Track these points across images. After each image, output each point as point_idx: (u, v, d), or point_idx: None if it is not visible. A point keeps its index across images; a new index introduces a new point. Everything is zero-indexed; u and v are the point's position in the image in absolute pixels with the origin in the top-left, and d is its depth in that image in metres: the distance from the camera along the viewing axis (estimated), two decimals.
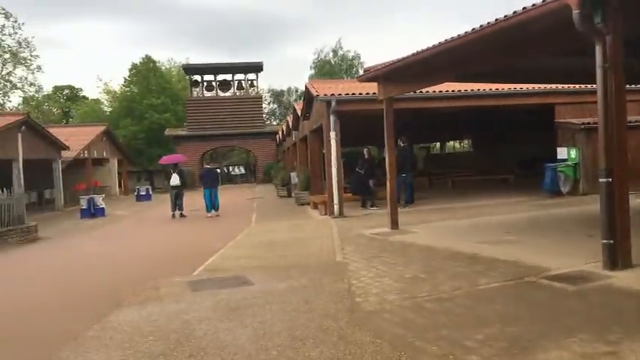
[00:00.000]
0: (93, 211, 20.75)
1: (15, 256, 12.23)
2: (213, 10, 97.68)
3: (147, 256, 10.55)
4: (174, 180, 17.83)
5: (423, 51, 8.24)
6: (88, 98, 61.37)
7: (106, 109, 54.53)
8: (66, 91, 66.13)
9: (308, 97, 16.52)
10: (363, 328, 4.74)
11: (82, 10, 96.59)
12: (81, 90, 65.45)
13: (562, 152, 15.51)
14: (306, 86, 15.97)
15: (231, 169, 55.79)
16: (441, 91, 13.73)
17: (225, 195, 28.94)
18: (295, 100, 23.37)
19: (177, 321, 5.32)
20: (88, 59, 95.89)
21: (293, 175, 24.22)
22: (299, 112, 19.83)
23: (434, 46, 7.94)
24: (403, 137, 14.48)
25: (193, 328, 5.04)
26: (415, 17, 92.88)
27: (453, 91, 14.00)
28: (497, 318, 4.73)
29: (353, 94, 13.56)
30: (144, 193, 30.51)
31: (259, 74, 43.07)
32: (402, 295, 5.71)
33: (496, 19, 6.62)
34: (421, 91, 13.28)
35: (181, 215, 17.87)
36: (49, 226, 18.27)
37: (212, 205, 17.86)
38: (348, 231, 10.89)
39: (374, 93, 13.19)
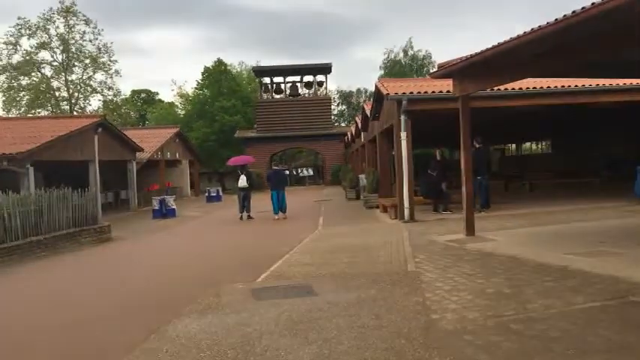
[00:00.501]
0: (164, 212, 21.09)
1: (84, 257, 12.41)
2: (282, 15, 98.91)
3: (212, 259, 10.38)
4: (242, 181, 17.75)
5: (504, 43, 7.52)
6: (163, 101, 63.56)
7: (179, 111, 56.14)
8: (143, 95, 68.82)
9: (377, 97, 15.97)
10: (441, 351, 4.19)
11: (158, 17, 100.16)
12: (157, 94, 67.95)
13: None
14: (375, 85, 15.42)
15: (299, 170, 56.05)
16: (521, 89, 12.81)
17: (293, 197, 28.86)
18: (364, 101, 22.73)
19: (236, 334, 4.95)
20: (164, 65, 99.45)
21: (362, 177, 23.68)
22: (368, 113, 19.31)
23: (517, 37, 7.21)
24: (479, 137, 13.65)
25: (253, 343, 4.65)
26: (486, 15, 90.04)
27: (533, 88, 13.05)
28: (602, 346, 4.05)
29: (425, 92, 12.89)
30: (214, 194, 30.94)
31: (328, 76, 42.91)
32: (484, 313, 5.09)
33: (592, 3, 5.86)
34: (499, 89, 12.44)
35: (249, 217, 17.77)
36: (122, 226, 18.70)
37: (279, 207, 17.67)
38: (419, 237, 10.26)
39: (447, 91, 12.54)
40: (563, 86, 13.11)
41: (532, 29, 6.90)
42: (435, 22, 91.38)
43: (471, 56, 8.67)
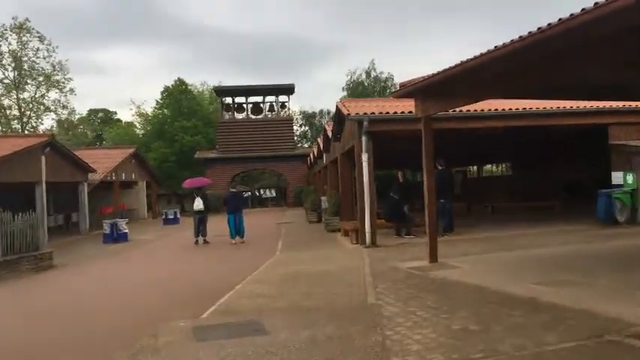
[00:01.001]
0: (115, 236, 20.10)
1: (18, 286, 11.45)
2: (245, 36, 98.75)
3: (158, 289, 9.62)
4: (198, 204, 16.99)
5: (467, 61, 7.17)
6: (121, 121, 62.03)
7: (138, 132, 54.79)
8: (100, 115, 67.15)
9: (339, 118, 15.56)
10: None
11: (119, 37, 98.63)
12: (115, 113, 66.44)
13: (617, 177, 14.10)
14: (337, 105, 15.02)
15: (262, 192, 55.25)
16: (482, 110, 12.58)
17: (255, 219, 28.12)
18: (327, 122, 22.38)
19: None
20: (126, 85, 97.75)
21: (323, 199, 23.17)
22: (329, 134, 18.90)
23: (480, 55, 6.86)
24: (441, 159, 13.32)
25: None
26: (447, 42, 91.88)
27: (495, 110, 12.84)
28: None
29: (387, 113, 12.52)
30: (171, 217, 29.90)
31: (291, 96, 42.60)
32: (450, 355, 4.56)
33: (560, 19, 5.53)
34: (461, 110, 12.20)
35: (204, 242, 16.98)
36: (69, 251, 17.67)
37: (237, 231, 16.99)
38: (381, 263, 9.75)
39: (410, 112, 12.18)
40: (524, 108, 12.96)
41: (496, 47, 6.55)
42: (398, 46, 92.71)
43: (433, 75, 8.31)
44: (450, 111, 12.21)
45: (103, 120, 64.77)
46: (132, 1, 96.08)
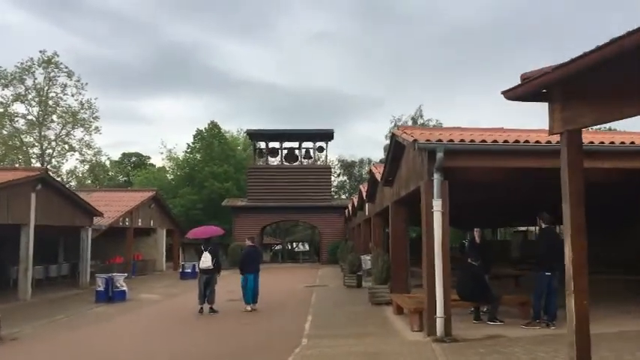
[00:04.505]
0: (111, 295, 16.37)
1: None
2: (284, 89, 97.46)
3: None
4: (206, 261, 13.13)
5: None
6: (154, 166, 59.73)
7: (169, 176, 52.17)
8: (134, 159, 65.23)
9: (395, 153, 11.64)
10: None
11: (162, 87, 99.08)
12: (148, 158, 64.38)
13: None
14: (393, 135, 11.08)
15: (294, 245, 51.28)
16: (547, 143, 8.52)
17: (282, 277, 24.11)
18: (369, 170, 18.81)
19: None
20: (164, 133, 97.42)
21: (365, 258, 19.11)
22: (378, 176, 15.04)
23: None
24: (544, 214, 9.26)
25: None
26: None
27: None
28: None
29: (472, 141, 8.59)
30: (189, 270, 26.10)
31: (329, 143, 38.99)
32: None
33: None
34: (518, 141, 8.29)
35: (211, 310, 13.04)
36: (45, 313, 14.00)
37: (253, 294, 13.19)
38: None
39: (505, 141, 8.34)
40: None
41: None
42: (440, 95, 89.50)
43: (591, 52, 4.44)
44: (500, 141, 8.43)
45: (136, 165, 62.68)
46: (177, 54, 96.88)
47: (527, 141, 8.52)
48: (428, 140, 8.53)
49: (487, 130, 10.20)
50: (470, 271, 9.60)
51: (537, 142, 8.50)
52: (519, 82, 5.60)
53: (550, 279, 8.82)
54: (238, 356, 8.02)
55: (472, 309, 10.09)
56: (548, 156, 8.37)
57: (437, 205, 8.44)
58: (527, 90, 5.50)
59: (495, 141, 8.50)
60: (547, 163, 8.34)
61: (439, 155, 8.26)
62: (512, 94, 5.72)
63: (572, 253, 5.10)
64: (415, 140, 8.49)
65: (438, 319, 8.26)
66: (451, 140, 8.53)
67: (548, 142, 8.51)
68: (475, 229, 11.11)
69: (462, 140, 8.57)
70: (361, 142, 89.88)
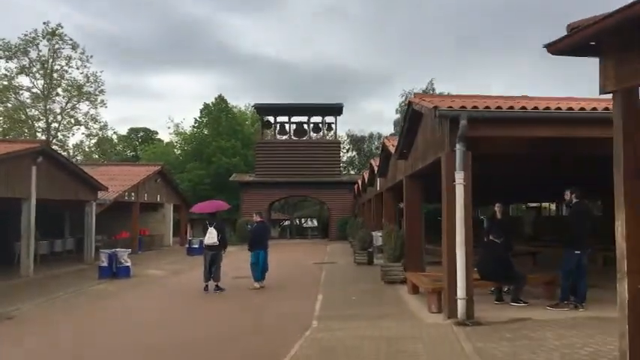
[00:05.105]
0: (115, 270, 15.91)
1: None
2: (293, 66, 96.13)
3: None
4: (211, 237, 12.58)
5: None
6: (162, 141, 59.16)
7: (177, 152, 51.63)
8: (141, 134, 64.65)
9: (410, 122, 10.91)
10: None
11: (171, 63, 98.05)
12: (156, 133, 63.78)
13: None
14: (410, 103, 10.35)
15: (303, 221, 50.82)
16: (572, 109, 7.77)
17: (291, 254, 23.58)
18: (387, 137, 18.02)
19: None
20: (174, 110, 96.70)
21: (376, 235, 18.51)
22: (391, 149, 14.32)
23: None
24: (574, 188, 8.55)
25: None
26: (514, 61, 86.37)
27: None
28: None
29: (499, 108, 7.86)
30: (196, 246, 25.63)
31: (338, 118, 38.11)
32: None
33: None
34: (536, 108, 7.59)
35: (217, 288, 12.52)
36: (46, 290, 13.55)
37: (262, 271, 12.69)
38: None
39: (534, 108, 7.63)
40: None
41: None
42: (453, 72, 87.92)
43: None
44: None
45: (143, 139, 62.12)
46: (186, 29, 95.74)
47: (558, 108, 7.79)
48: (450, 107, 7.82)
49: (511, 98, 9.44)
50: (492, 249, 8.96)
51: (570, 108, 7.77)
52: (569, 30, 4.89)
53: (580, 257, 8.16)
54: (243, 341, 7.46)
55: (492, 289, 9.48)
56: (582, 124, 7.69)
57: (459, 177, 7.77)
58: (574, 41, 4.77)
59: (524, 108, 7.76)
60: (581, 131, 7.66)
61: (462, 123, 7.55)
62: (556, 48, 4.98)
63: (626, 229, 4.40)
64: (436, 107, 7.77)
65: (459, 301, 7.64)
66: (475, 107, 7.80)
67: (582, 108, 7.79)
68: (497, 204, 10.45)
69: (487, 107, 7.84)
70: (370, 119, 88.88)
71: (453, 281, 7.72)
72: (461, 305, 7.63)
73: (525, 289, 9.11)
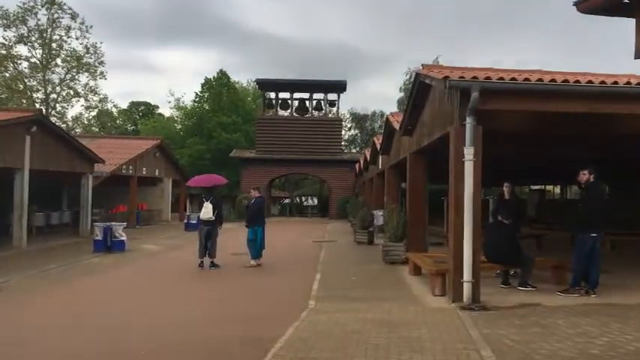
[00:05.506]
0: (109, 244, 15.55)
1: None
2: (297, 43, 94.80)
3: None
4: (206, 212, 12.17)
5: None
6: (162, 115, 58.51)
7: (178, 126, 51.03)
8: (142, 108, 63.95)
9: (417, 96, 10.40)
10: None
11: (176, 38, 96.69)
12: (157, 107, 63.08)
13: None
14: (417, 75, 9.81)
15: (303, 199, 50.47)
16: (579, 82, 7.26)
17: (290, 232, 23.12)
18: (391, 114, 17.39)
19: None
20: (177, 85, 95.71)
21: (377, 214, 18.09)
22: (395, 125, 13.83)
23: None
24: (592, 168, 8.06)
25: None
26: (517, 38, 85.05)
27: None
28: None
29: (513, 79, 7.35)
30: (194, 222, 25.27)
31: (341, 95, 37.47)
32: None
33: None
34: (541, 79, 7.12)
35: (212, 265, 12.15)
36: (38, 262, 13.22)
37: (259, 249, 12.33)
38: None
39: (552, 80, 7.13)
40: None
41: None
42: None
43: None
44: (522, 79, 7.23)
45: (144, 113, 61.43)
46: (189, 4, 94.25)
47: (577, 81, 7.28)
48: (462, 77, 7.30)
49: (525, 71, 8.90)
50: (500, 231, 8.51)
51: (590, 81, 7.27)
52: None
53: (595, 240, 7.72)
54: (235, 322, 7.06)
55: (498, 272, 9.08)
56: (616, 99, 7.19)
57: (469, 153, 7.29)
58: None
59: (541, 79, 7.25)
60: (612, 107, 7.19)
61: (474, 95, 7.05)
62: (586, 6, 4.52)
63: None
64: (446, 77, 7.26)
65: (465, 284, 7.23)
66: (488, 78, 7.29)
67: (603, 82, 7.28)
68: (505, 184, 10.01)
69: (500, 78, 7.34)
70: (373, 99, 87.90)
71: (458, 263, 7.30)
72: (467, 288, 7.22)
73: (533, 272, 8.70)
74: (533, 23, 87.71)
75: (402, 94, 43.09)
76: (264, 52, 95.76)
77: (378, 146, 19.09)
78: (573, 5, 4.69)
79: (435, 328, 6.08)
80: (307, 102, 37.56)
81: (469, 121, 7.26)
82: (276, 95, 37.59)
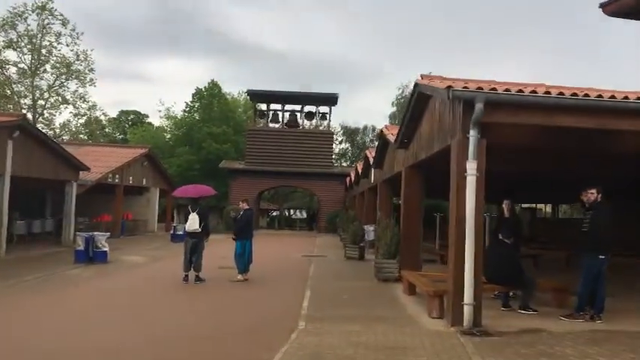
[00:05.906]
0: (91, 255, 14.97)
1: None
2: (286, 56, 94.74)
3: None
4: (192, 223, 11.68)
5: None
6: (152, 124, 57.88)
7: (167, 136, 50.42)
8: (132, 117, 63.28)
9: (414, 109, 10.02)
10: None
11: (166, 49, 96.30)
12: (146, 116, 62.44)
13: None
14: (416, 84, 9.38)
15: (292, 212, 49.97)
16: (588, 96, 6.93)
17: (278, 246, 22.66)
18: (385, 126, 17.02)
19: None
20: (169, 95, 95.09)
21: (368, 229, 17.66)
22: (390, 138, 13.45)
23: None
24: (600, 187, 7.69)
25: None
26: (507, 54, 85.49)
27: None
28: None
29: (520, 91, 6.98)
30: (181, 233, 24.63)
31: (333, 108, 37.17)
32: None
33: None
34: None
35: (197, 279, 11.62)
36: (15, 273, 12.66)
37: (246, 263, 11.85)
38: None
39: (560, 93, 6.76)
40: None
41: None
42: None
43: None
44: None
45: (133, 122, 60.77)
46: (181, 14, 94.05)
47: (586, 95, 6.94)
48: (465, 87, 6.93)
49: (530, 85, 8.56)
50: (501, 251, 8.10)
51: (599, 96, 6.92)
52: None
53: (603, 263, 7.33)
54: (219, 343, 6.56)
55: (497, 293, 8.67)
56: (614, 114, 6.85)
57: (471, 167, 6.90)
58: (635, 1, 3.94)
59: (548, 92, 6.89)
60: (623, 124, 6.84)
61: (478, 106, 6.68)
62: (613, 8, 4.15)
63: None
64: (450, 87, 6.89)
65: (465, 307, 6.80)
66: (494, 89, 6.93)
67: (612, 96, 6.94)
68: (505, 201, 9.61)
69: (506, 89, 6.97)
70: (364, 113, 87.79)
71: (459, 284, 6.86)
72: (467, 312, 6.79)
73: (535, 295, 8.29)
74: (529, 41, 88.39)
75: (394, 108, 42.97)
76: (254, 65, 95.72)
77: (371, 160, 18.70)
78: (599, 7, 4.37)
79: (435, 355, 5.63)
80: (298, 115, 37.24)
81: (472, 134, 6.88)
82: (267, 107, 37.26)
